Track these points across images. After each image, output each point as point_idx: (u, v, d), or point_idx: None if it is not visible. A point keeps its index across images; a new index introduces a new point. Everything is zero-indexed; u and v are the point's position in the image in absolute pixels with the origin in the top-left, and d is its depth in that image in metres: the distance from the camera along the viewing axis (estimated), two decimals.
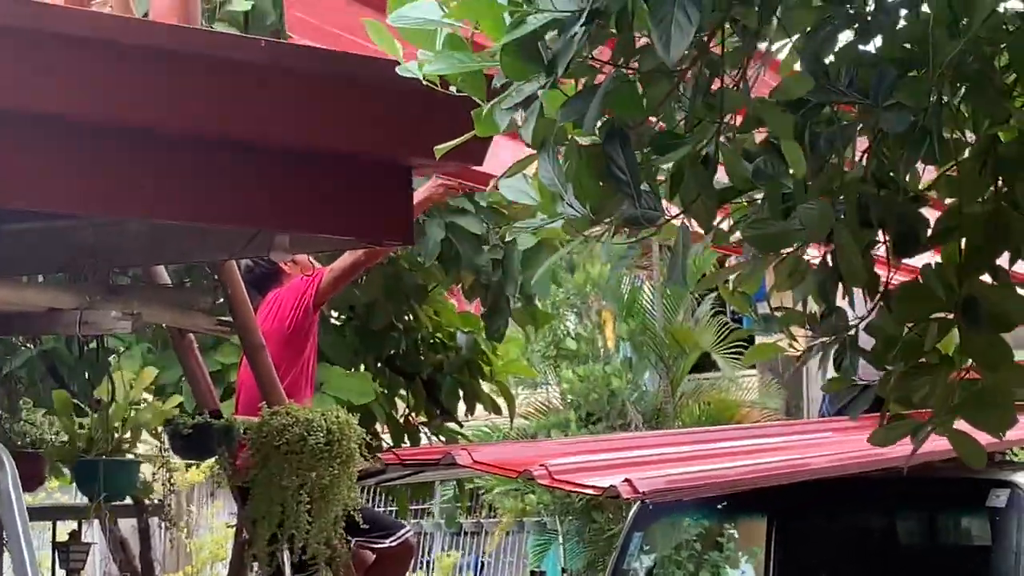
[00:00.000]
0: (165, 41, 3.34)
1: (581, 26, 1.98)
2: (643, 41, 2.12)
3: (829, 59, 2.18)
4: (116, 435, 5.04)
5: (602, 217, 2.14)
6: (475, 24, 2.18)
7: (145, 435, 5.49)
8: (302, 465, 4.85)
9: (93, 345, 5.04)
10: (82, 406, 5.45)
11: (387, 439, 7.13)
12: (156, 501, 7.09)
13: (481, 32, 2.16)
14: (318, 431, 4.92)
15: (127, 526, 7.19)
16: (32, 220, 4.44)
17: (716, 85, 2.16)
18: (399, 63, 2.33)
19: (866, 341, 2.24)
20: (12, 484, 3.40)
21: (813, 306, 2.30)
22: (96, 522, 7.02)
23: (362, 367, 7.15)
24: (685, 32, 1.91)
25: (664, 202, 2.21)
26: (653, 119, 2.21)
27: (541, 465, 4.74)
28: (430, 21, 2.14)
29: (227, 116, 3.53)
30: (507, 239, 6.32)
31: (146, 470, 5.81)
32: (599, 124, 2.11)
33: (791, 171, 2.11)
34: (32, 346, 6.99)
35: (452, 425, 7.58)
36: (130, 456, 5.39)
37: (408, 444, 7.28)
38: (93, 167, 3.43)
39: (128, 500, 6.32)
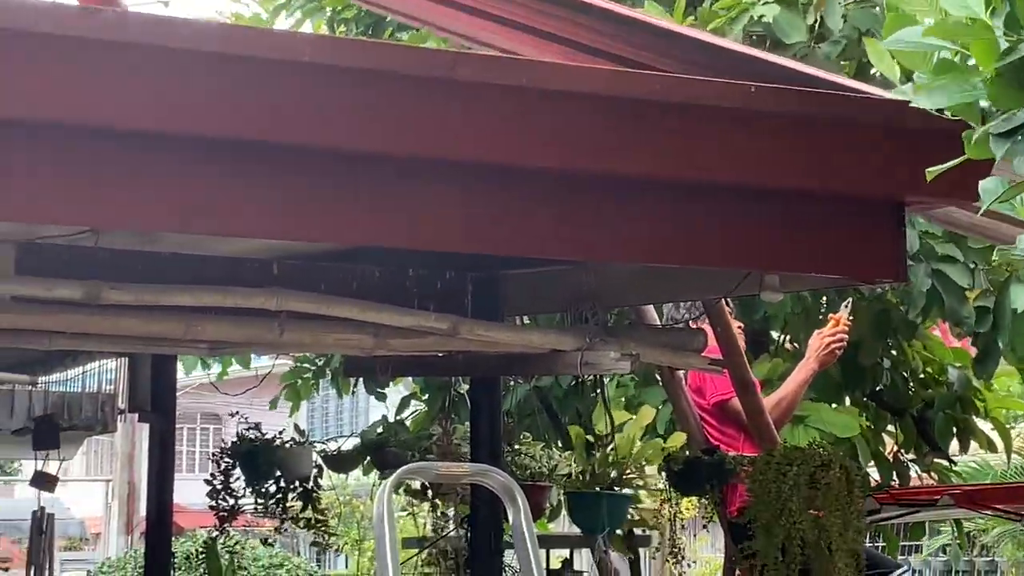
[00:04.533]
0: (659, 93, 3.45)
1: None
2: None
3: None
4: (619, 470, 5.21)
5: None
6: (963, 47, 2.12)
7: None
8: (806, 504, 4.79)
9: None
10: (590, 440, 5.67)
11: (874, 474, 7.03)
12: (645, 532, 7.26)
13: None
14: (820, 468, 4.86)
15: (615, 556, 7.39)
16: (534, 265, 4.68)
17: None
18: (891, 98, 2.31)
19: None
20: (524, 519, 3.57)
21: None
22: (585, 551, 7.26)
23: (847, 402, 7.09)
24: None
25: None
26: None
27: None
28: (925, 45, 2.10)
29: (716, 161, 3.61)
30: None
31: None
32: None
33: None
34: (520, 382, 7.37)
35: (942, 461, 7.38)
36: (626, 490, 5.57)
37: (896, 481, 7.15)
38: (593, 216, 3.58)
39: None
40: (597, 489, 5.43)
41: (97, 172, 3.00)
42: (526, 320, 6.24)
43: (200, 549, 8.80)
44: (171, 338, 3.93)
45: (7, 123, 2.87)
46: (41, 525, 8.21)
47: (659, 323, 5.46)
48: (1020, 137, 2.12)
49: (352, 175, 3.28)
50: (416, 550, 6.75)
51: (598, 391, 5.43)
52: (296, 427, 6.22)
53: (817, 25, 6.06)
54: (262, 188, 3.19)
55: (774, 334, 7.26)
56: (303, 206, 3.25)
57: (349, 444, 6.96)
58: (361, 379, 7.72)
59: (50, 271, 3.65)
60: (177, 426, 6.88)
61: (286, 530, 6.39)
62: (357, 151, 3.23)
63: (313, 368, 8.57)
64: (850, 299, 6.05)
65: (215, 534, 6.14)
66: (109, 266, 3.86)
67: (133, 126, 2.95)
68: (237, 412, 6.42)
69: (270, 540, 9.72)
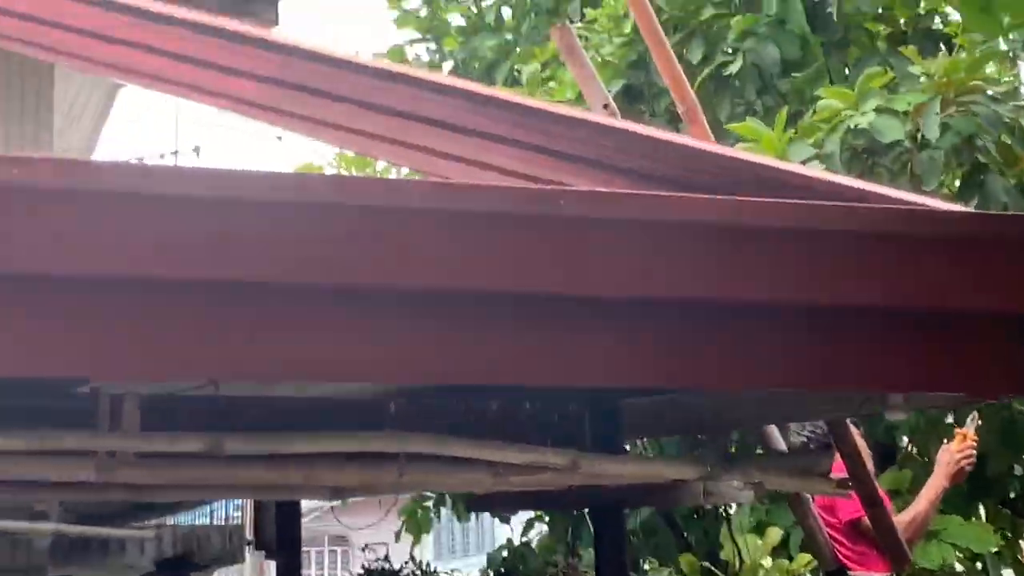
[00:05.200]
0: (780, 221, 3.42)
1: None
2: None
3: None
4: None
5: None
6: None
7: None
8: None
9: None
10: (712, 569, 5.59)
11: None
12: None
13: None
14: None
15: None
16: (654, 392, 4.63)
17: None
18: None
19: None
20: None
21: None
22: None
23: (982, 513, 6.92)
24: None
25: None
26: None
27: None
28: None
29: (839, 284, 3.56)
30: None
31: None
32: None
33: None
34: None
35: None
36: None
37: None
38: (722, 344, 3.54)
39: None
40: None
41: (223, 325, 3.02)
42: (644, 441, 6.19)
43: None
44: (291, 485, 3.94)
45: (139, 282, 2.90)
46: None
47: (783, 443, 5.38)
48: None
49: (464, 316, 3.28)
50: None
51: (723, 516, 5.34)
52: (412, 558, 6.22)
53: (920, 135, 6.00)
54: (385, 332, 3.19)
55: (900, 443, 7.12)
56: (425, 347, 3.25)
57: (474, 567, 6.95)
58: None
59: (167, 419, 3.68)
60: (304, 549, 6.90)
61: None
62: (467, 290, 3.22)
63: (433, 496, 8.58)
64: (975, 412, 5.93)
65: None
66: (221, 411, 3.88)
67: (260, 278, 2.98)
68: (367, 545, 6.45)
69: None
